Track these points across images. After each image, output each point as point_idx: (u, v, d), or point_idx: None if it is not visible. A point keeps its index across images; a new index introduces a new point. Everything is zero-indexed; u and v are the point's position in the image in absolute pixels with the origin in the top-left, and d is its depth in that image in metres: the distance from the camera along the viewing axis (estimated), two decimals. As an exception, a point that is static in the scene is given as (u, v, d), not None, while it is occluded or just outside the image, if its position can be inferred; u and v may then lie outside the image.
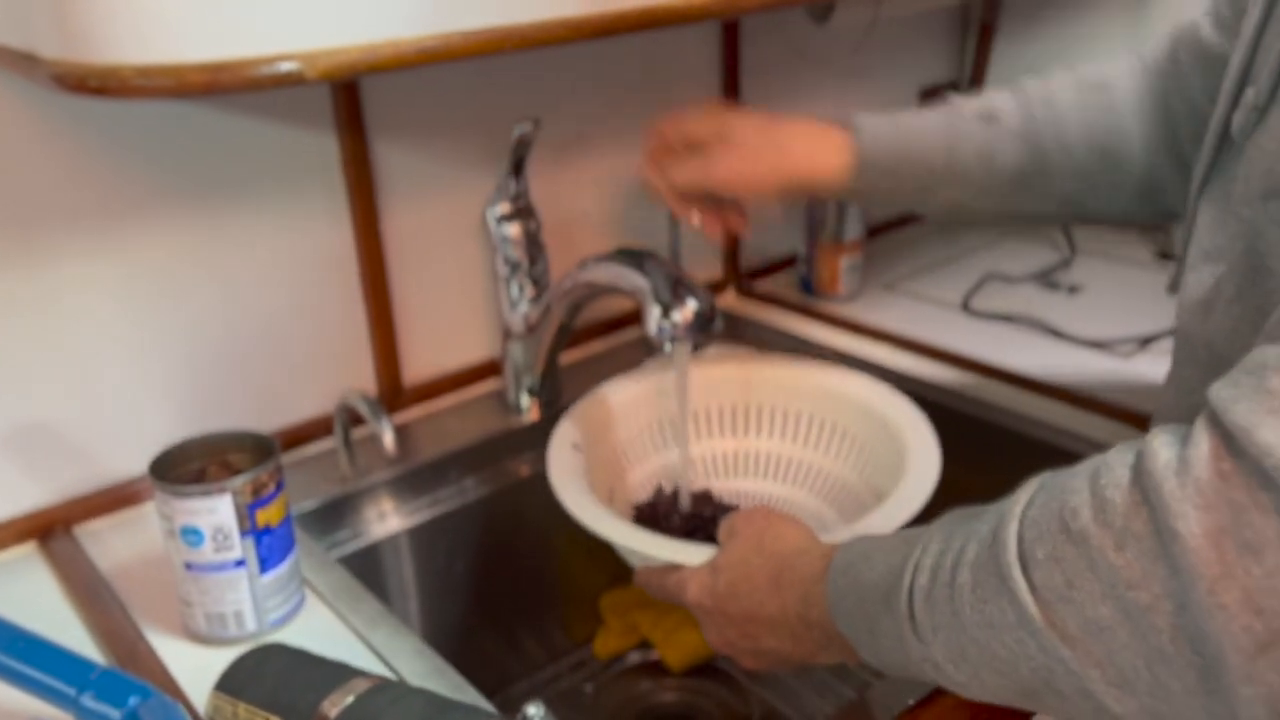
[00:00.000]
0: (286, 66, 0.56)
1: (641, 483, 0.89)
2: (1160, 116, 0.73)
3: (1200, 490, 0.37)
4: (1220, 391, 0.39)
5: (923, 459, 0.76)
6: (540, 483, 0.79)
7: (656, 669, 0.89)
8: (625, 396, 0.89)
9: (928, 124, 0.77)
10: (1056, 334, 1.04)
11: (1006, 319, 1.09)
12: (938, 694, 0.65)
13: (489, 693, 0.64)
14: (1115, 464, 0.41)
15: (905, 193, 0.78)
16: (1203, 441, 0.38)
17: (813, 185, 0.78)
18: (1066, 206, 0.76)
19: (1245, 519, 0.36)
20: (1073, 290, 1.16)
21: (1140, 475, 0.40)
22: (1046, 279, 1.18)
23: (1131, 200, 0.75)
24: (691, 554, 0.68)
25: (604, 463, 0.85)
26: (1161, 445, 0.40)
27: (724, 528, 0.69)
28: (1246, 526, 0.36)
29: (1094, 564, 0.40)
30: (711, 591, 0.64)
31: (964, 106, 0.77)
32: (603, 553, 0.80)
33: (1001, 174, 0.75)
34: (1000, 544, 0.44)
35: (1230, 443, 0.37)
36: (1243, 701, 0.37)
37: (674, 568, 0.68)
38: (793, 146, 0.77)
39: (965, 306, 1.13)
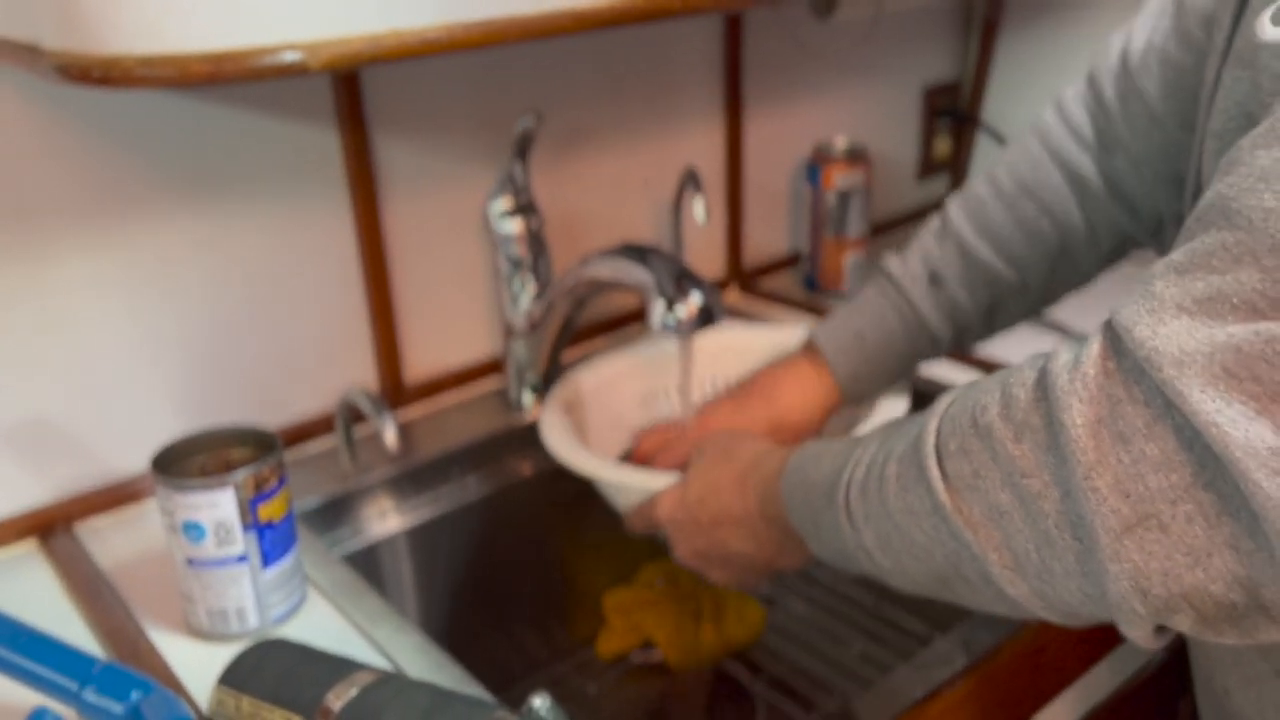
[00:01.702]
0: (290, 56, 0.56)
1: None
2: (1098, 178, 0.74)
3: (1086, 385, 0.40)
4: (1117, 300, 0.42)
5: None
6: (543, 481, 0.79)
7: (660, 669, 0.88)
8: (615, 369, 0.91)
9: (885, 316, 0.80)
10: (1058, 328, 1.04)
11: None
12: (942, 690, 0.65)
13: (491, 693, 0.63)
14: (1026, 367, 0.45)
15: (895, 376, 0.83)
16: (1094, 343, 0.41)
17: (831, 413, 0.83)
18: (1043, 301, 0.80)
19: (1120, 410, 0.39)
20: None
21: (1043, 375, 0.43)
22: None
23: (1100, 266, 0.78)
24: (665, 480, 0.73)
25: (595, 430, 0.87)
26: (1064, 349, 0.43)
27: (693, 449, 0.74)
28: (1120, 418, 0.39)
29: (996, 455, 0.44)
30: (683, 502, 0.70)
31: (906, 279, 0.80)
32: (606, 551, 0.80)
33: (971, 316, 0.80)
34: (921, 439, 0.48)
35: (1116, 343, 0.40)
36: (1111, 578, 0.40)
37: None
38: (790, 402, 0.82)
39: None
